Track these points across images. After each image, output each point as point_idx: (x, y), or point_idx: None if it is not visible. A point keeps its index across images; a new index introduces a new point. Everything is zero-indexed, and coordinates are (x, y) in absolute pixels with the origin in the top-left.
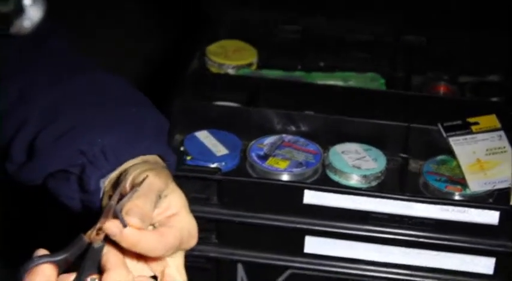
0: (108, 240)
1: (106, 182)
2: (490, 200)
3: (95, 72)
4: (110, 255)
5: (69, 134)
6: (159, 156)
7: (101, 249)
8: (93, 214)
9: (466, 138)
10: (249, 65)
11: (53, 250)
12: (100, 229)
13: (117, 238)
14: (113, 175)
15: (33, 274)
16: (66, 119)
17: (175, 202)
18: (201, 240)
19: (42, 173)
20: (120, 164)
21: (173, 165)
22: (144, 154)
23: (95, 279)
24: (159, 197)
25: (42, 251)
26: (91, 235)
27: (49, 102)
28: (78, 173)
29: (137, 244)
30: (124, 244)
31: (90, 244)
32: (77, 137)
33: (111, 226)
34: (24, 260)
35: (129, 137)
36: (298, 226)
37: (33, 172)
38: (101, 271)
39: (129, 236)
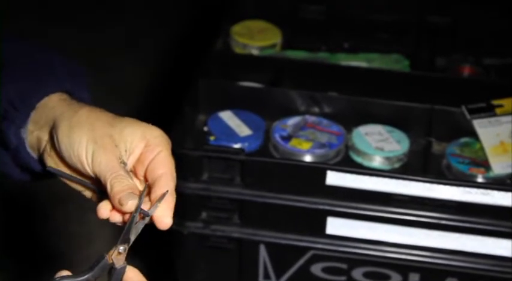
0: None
1: (27, 132)
2: None
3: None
4: (131, 275)
5: None
6: (71, 94)
7: (123, 270)
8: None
9: (490, 121)
10: (273, 46)
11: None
12: (120, 249)
13: None
14: (31, 119)
15: None
16: None
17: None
18: (224, 220)
19: None
20: (32, 108)
21: (88, 101)
22: (51, 93)
23: None
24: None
25: (64, 272)
26: (112, 255)
27: None
28: None
29: None
30: None
31: (112, 265)
32: None
33: None
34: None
35: (33, 80)
36: (321, 207)
37: None
38: None
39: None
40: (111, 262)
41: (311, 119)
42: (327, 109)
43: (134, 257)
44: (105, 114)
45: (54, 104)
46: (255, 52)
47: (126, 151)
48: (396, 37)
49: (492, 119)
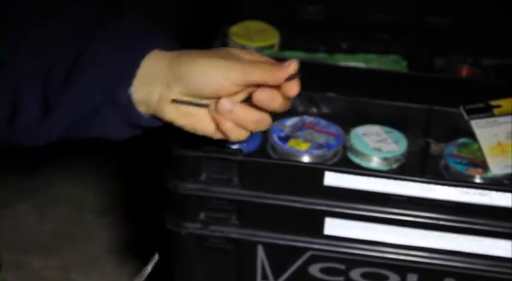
0: None
1: (132, 89)
2: (511, 183)
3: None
4: None
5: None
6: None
7: None
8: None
9: (488, 121)
10: (271, 46)
11: None
12: None
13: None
14: (138, 76)
15: None
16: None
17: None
18: (222, 221)
19: (65, 123)
20: (138, 66)
21: (176, 48)
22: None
23: None
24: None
25: None
26: None
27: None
28: (102, 100)
29: None
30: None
31: None
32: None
33: None
34: None
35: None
36: (319, 207)
37: (55, 123)
38: None
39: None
40: None
41: (309, 119)
42: (325, 110)
43: (132, 257)
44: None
45: (157, 60)
46: None
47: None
48: (395, 38)
49: (490, 120)
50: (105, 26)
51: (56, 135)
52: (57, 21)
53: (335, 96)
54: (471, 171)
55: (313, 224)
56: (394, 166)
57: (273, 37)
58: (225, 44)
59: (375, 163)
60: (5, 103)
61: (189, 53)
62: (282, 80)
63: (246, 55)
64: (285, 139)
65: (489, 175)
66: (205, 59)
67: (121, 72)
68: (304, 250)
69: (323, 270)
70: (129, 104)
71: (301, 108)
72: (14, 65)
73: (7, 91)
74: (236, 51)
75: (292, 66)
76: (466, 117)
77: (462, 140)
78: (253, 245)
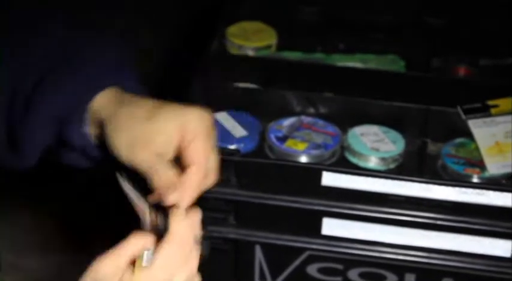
0: None
1: (88, 127)
2: (509, 183)
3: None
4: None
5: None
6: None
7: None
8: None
9: (485, 121)
10: (269, 46)
11: None
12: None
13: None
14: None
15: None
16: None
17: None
18: (220, 221)
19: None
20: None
21: (135, 87)
22: (100, 91)
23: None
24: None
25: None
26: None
27: None
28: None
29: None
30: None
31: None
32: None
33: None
34: None
35: (84, 81)
36: (316, 207)
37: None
38: None
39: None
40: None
41: (307, 119)
42: (322, 110)
43: None
44: (144, 106)
45: (101, 105)
46: (250, 53)
47: (165, 142)
48: (392, 38)
49: (487, 120)
50: (71, 55)
51: (30, 161)
52: (33, 38)
53: (332, 97)
54: (469, 171)
55: (311, 224)
56: (392, 165)
57: (270, 37)
58: (222, 44)
59: (373, 163)
60: None
61: (116, 119)
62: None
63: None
64: (283, 139)
65: (487, 174)
66: (119, 140)
67: (72, 110)
68: (302, 250)
69: (321, 270)
70: (82, 141)
71: (298, 109)
72: None
73: None
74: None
75: (169, 202)
76: (463, 117)
77: (459, 140)
78: (251, 245)
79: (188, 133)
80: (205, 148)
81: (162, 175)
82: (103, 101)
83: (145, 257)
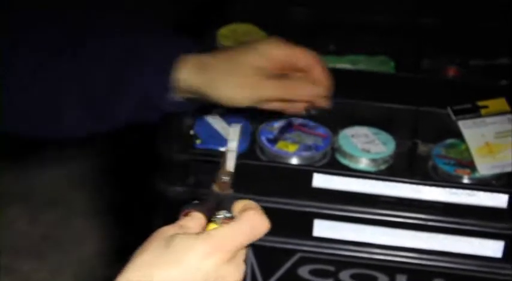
0: None
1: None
2: (499, 184)
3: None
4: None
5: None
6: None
7: (231, 198)
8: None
9: (475, 122)
10: None
11: None
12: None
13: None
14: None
15: (189, 216)
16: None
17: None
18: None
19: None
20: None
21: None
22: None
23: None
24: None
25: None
26: (218, 186)
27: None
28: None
29: None
30: None
31: (219, 194)
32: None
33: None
34: None
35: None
36: (307, 209)
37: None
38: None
39: None
40: (217, 191)
41: (297, 121)
42: (313, 111)
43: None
44: (226, 58)
45: (186, 75)
46: None
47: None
48: (382, 39)
49: (477, 120)
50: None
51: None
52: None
53: None
54: (459, 171)
55: (302, 226)
56: (383, 167)
57: None
58: (213, 46)
59: (363, 164)
60: (50, 106)
61: (211, 62)
62: (296, 96)
63: (277, 55)
64: (274, 141)
65: (477, 175)
66: (221, 73)
67: (158, 87)
68: (293, 252)
69: (312, 272)
70: (171, 107)
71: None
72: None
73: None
74: (266, 51)
75: (308, 89)
76: (453, 118)
77: (450, 140)
78: None
79: (278, 54)
80: (306, 51)
81: (297, 85)
82: (186, 72)
83: (222, 215)
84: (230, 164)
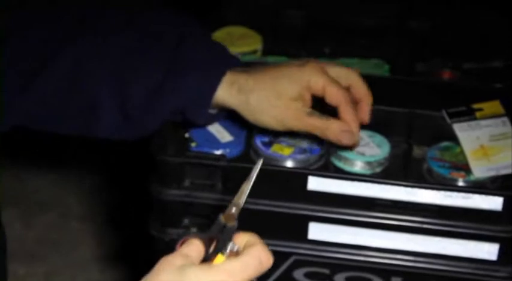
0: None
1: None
2: (494, 186)
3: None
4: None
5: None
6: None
7: (233, 229)
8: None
9: (470, 125)
10: (254, 51)
11: None
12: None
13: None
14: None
15: (187, 244)
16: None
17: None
18: (206, 227)
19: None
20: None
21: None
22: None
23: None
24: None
25: (193, 230)
26: (226, 216)
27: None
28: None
29: None
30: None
31: (224, 224)
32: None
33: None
34: None
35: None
36: (302, 212)
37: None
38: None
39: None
40: (224, 222)
41: None
42: None
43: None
44: (265, 81)
45: (223, 95)
46: None
47: (300, 101)
48: (376, 42)
49: (472, 123)
50: (182, 48)
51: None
52: (134, 33)
53: None
54: (454, 174)
55: (297, 229)
56: (377, 170)
57: (255, 42)
58: None
59: (358, 167)
60: (84, 110)
61: (251, 85)
62: (327, 138)
63: (314, 86)
64: (268, 144)
65: (472, 178)
66: (261, 101)
67: (200, 96)
68: (288, 254)
69: (307, 274)
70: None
71: None
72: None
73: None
74: (304, 78)
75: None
76: (448, 120)
77: (445, 143)
78: None
79: (315, 86)
80: (338, 90)
81: (328, 125)
82: (226, 89)
83: (229, 248)
84: (243, 198)
